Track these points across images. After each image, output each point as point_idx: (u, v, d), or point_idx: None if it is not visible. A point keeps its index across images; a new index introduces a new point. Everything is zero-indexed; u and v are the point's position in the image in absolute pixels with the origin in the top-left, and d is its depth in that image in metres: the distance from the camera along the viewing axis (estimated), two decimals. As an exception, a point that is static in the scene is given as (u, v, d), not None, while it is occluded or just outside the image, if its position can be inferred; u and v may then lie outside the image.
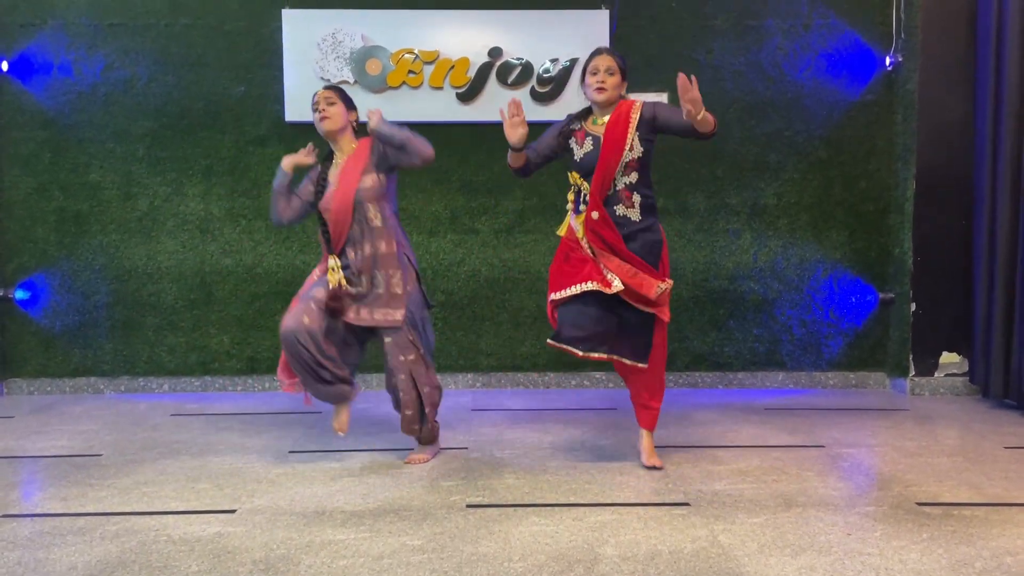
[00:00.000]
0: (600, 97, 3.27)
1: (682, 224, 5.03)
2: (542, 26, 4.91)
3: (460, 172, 5.01)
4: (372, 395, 4.86)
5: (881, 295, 5.05)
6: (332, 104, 3.39)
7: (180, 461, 3.57)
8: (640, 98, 4.90)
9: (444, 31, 4.90)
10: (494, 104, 4.92)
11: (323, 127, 3.40)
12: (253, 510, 2.96)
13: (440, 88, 4.92)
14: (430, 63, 4.90)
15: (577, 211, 3.34)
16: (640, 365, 3.35)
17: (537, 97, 4.93)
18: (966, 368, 4.86)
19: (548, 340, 3.31)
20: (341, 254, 3.41)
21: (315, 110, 3.40)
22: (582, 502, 3.03)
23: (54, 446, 3.82)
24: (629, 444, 3.73)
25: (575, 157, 3.32)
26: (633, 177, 3.25)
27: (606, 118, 3.30)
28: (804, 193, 5.03)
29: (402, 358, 3.42)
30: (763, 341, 5.08)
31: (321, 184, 3.42)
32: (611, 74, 3.26)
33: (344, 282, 3.36)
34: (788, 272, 5.06)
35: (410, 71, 4.89)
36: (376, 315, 3.39)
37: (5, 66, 4.84)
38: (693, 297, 5.06)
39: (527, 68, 4.91)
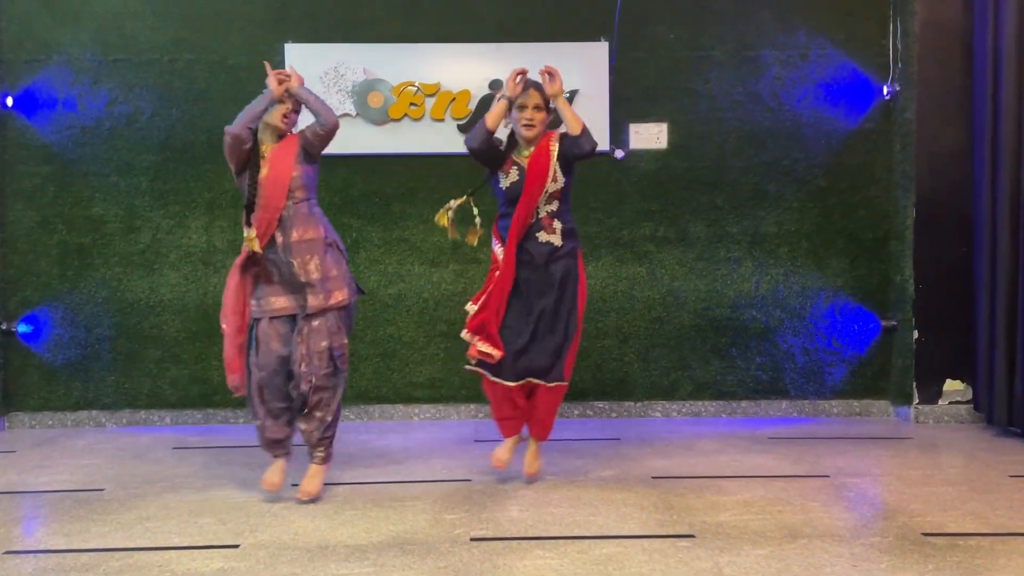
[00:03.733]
0: (529, 135, 3.54)
1: (683, 253, 5.05)
2: (542, 58, 4.84)
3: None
4: (374, 426, 4.85)
5: (883, 322, 5.04)
6: (297, 112, 3.55)
7: (182, 495, 3.56)
8: (635, 129, 5.01)
9: (445, 64, 4.95)
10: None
11: (282, 126, 3.49)
12: (256, 545, 2.95)
13: (441, 120, 4.96)
14: (431, 95, 4.94)
15: (502, 240, 3.60)
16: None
17: (537, 128, 4.96)
18: (970, 396, 4.84)
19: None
20: (270, 243, 3.44)
21: (280, 101, 3.47)
22: (586, 534, 3.02)
23: (56, 481, 3.81)
24: (633, 475, 3.73)
25: (501, 185, 3.58)
26: (555, 205, 3.56)
27: (531, 150, 3.56)
28: (804, 221, 5.05)
29: (324, 344, 3.42)
30: (766, 369, 5.08)
31: (254, 166, 3.46)
32: (538, 111, 3.52)
33: (257, 248, 3.39)
34: (790, 300, 5.06)
35: (412, 103, 4.94)
36: (330, 299, 3.45)
37: (10, 101, 4.88)
38: (695, 326, 5.06)
39: (527, 100, 4.95)
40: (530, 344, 3.54)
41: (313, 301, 3.42)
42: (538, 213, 3.54)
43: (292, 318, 3.47)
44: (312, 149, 3.51)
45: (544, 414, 3.65)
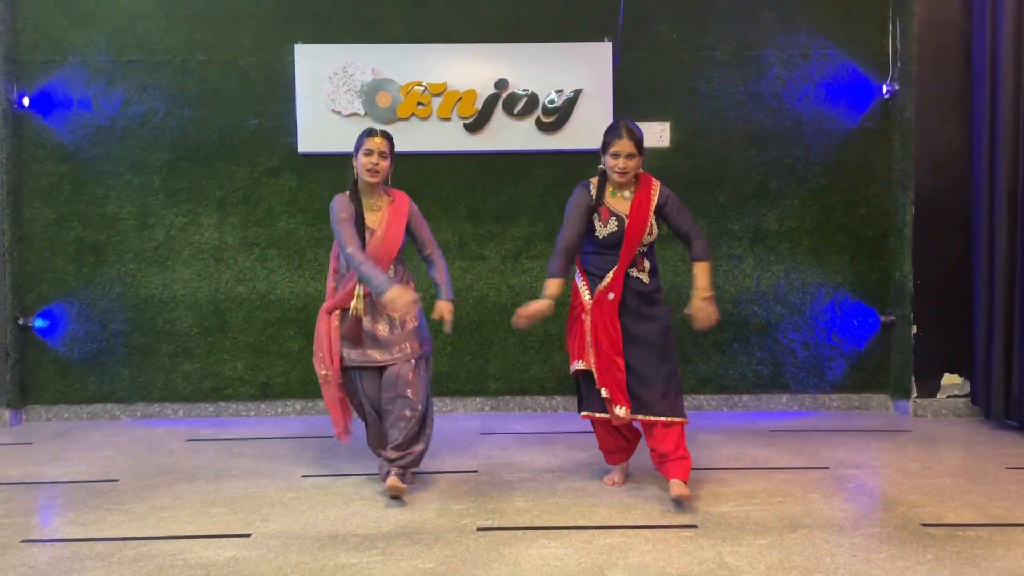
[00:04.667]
0: (622, 180, 3.38)
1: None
2: (547, 58, 4.98)
3: (467, 200, 5.06)
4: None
5: (882, 318, 5.05)
6: (385, 158, 3.44)
7: (195, 486, 3.60)
8: (644, 128, 5.02)
9: (452, 64, 4.98)
10: (501, 134, 5.00)
11: (371, 180, 3.42)
12: (267, 534, 2.99)
13: (448, 119, 4.99)
14: (438, 95, 4.98)
15: (591, 287, 3.43)
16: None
17: (542, 127, 4.99)
18: (968, 389, 4.86)
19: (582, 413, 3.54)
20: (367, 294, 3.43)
21: (365, 154, 3.41)
22: (591, 524, 3.05)
23: (72, 472, 3.84)
24: (637, 466, 3.74)
25: (596, 234, 3.41)
26: (645, 248, 3.45)
27: (626, 193, 3.42)
28: (805, 219, 5.06)
29: (414, 387, 3.43)
30: (767, 364, 5.09)
31: (360, 226, 3.42)
32: (631, 158, 3.34)
33: (362, 310, 3.39)
34: (790, 296, 5.08)
35: (419, 103, 4.97)
36: (406, 349, 3.43)
37: (27, 101, 4.91)
38: (698, 321, 5.08)
39: (532, 99, 4.98)
40: (643, 379, 3.37)
41: (408, 348, 3.43)
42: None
43: (379, 370, 3.46)
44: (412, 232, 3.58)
45: (676, 454, 3.37)
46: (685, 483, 3.30)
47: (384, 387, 3.44)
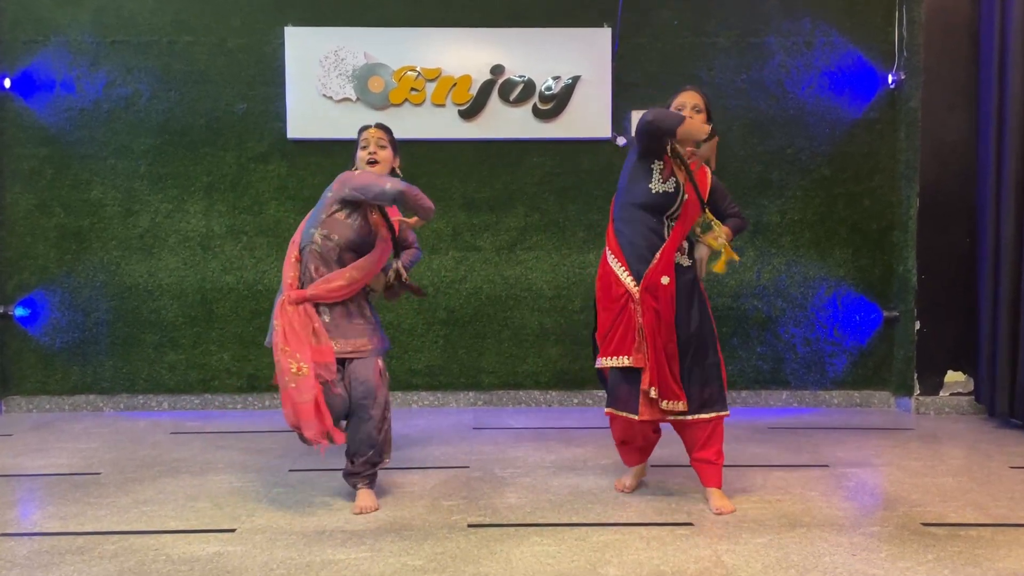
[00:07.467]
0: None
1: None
2: (544, 44, 4.92)
3: (462, 189, 5.01)
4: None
5: (885, 313, 5.02)
6: (383, 148, 3.25)
7: (179, 480, 3.55)
8: (637, 115, 4.96)
9: (446, 49, 4.92)
10: (496, 121, 4.94)
11: (369, 170, 3.21)
12: (253, 529, 2.94)
13: (442, 105, 4.92)
14: (432, 80, 4.91)
15: (632, 269, 3.08)
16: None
17: (539, 114, 4.93)
18: (971, 387, 4.83)
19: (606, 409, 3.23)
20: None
21: (362, 147, 3.24)
22: (584, 522, 3.01)
23: (53, 464, 3.80)
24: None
25: (650, 186, 3.03)
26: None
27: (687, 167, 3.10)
28: (807, 211, 5.02)
29: (372, 380, 3.16)
30: (766, 359, 5.06)
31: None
32: (698, 111, 3.07)
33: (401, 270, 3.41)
34: (791, 290, 5.04)
35: (412, 88, 4.90)
36: (350, 345, 3.18)
37: (7, 83, 4.84)
38: (696, 315, 5.04)
39: (529, 85, 4.92)
40: (688, 373, 3.09)
41: (342, 345, 3.16)
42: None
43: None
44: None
45: (711, 453, 3.13)
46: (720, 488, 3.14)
47: (353, 388, 3.15)
